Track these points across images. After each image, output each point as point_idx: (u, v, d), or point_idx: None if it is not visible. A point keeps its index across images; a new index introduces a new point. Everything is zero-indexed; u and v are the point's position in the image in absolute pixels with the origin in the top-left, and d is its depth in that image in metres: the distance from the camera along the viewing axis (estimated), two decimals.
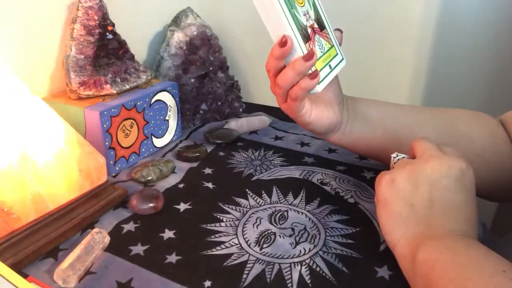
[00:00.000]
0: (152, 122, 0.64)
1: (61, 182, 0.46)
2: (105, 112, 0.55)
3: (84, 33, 0.58)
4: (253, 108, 0.84)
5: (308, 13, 0.43)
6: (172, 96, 0.66)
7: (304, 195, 0.54)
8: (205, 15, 0.79)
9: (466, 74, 1.30)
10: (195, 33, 0.74)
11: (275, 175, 0.59)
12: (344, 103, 0.52)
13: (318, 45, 0.44)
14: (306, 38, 0.42)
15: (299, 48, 0.40)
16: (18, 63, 0.57)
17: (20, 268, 0.40)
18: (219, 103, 0.78)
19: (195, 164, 0.62)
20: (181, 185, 0.57)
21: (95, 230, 0.44)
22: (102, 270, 0.41)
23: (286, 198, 0.54)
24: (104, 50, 0.61)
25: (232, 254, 0.43)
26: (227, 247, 0.44)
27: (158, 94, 0.64)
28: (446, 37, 1.29)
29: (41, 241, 0.43)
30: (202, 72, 0.75)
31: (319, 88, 0.43)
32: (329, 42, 0.46)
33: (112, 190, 0.52)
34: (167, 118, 0.67)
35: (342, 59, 0.48)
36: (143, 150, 0.63)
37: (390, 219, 0.40)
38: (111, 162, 0.58)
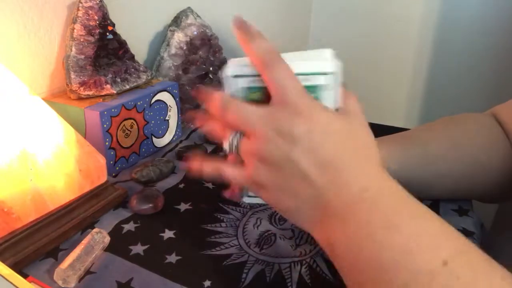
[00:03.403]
0: (152, 122, 0.64)
1: (61, 182, 0.45)
2: (105, 112, 0.55)
3: (84, 33, 0.58)
4: None
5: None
6: (172, 96, 0.66)
7: None
8: (205, 15, 0.79)
9: (466, 74, 1.30)
10: (195, 33, 0.74)
11: None
12: None
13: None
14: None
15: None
16: (18, 63, 0.57)
17: (20, 268, 0.40)
18: None
19: None
20: (181, 185, 0.57)
21: (95, 230, 0.44)
22: (102, 270, 0.41)
23: None
24: (104, 50, 0.61)
25: (232, 254, 0.43)
26: (227, 248, 0.44)
27: (158, 94, 0.64)
28: (446, 37, 1.29)
29: (41, 241, 0.43)
30: (202, 72, 0.75)
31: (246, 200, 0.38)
32: None
33: (112, 190, 0.52)
34: (167, 118, 0.67)
35: None
36: (143, 150, 0.63)
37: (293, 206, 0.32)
38: (111, 162, 0.58)
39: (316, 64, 0.33)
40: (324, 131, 0.30)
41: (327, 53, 0.34)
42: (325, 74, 0.33)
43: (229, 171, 0.34)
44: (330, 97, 0.33)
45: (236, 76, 0.34)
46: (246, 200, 0.39)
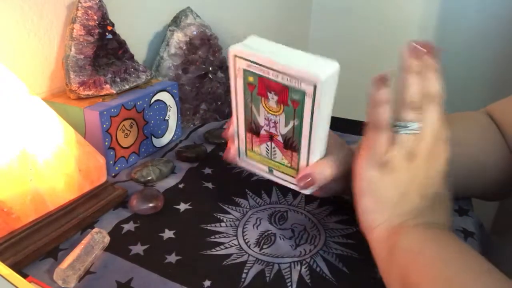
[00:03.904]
0: (152, 122, 0.64)
1: (61, 182, 0.45)
2: (105, 112, 0.55)
3: (84, 33, 0.58)
4: None
5: (276, 123, 0.39)
6: (172, 96, 0.66)
7: (303, 195, 0.54)
8: (205, 15, 0.79)
9: (465, 74, 1.30)
10: (195, 33, 0.74)
11: None
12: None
13: (267, 148, 0.41)
14: (252, 130, 0.41)
15: (236, 129, 0.42)
16: (18, 63, 0.57)
17: (20, 268, 0.40)
18: (219, 103, 0.78)
19: (195, 164, 0.62)
20: (181, 185, 0.57)
21: (95, 230, 0.44)
22: (102, 270, 0.41)
23: (286, 199, 0.54)
24: (104, 50, 0.61)
25: (232, 254, 0.43)
26: (227, 248, 0.44)
27: (158, 94, 0.64)
28: (446, 37, 1.29)
29: (41, 241, 0.43)
30: (202, 72, 0.75)
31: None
32: (289, 161, 0.41)
33: (112, 190, 0.51)
34: (167, 118, 0.67)
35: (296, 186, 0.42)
36: (143, 150, 0.63)
37: (376, 203, 0.38)
38: (111, 162, 0.58)
39: (307, 72, 0.34)
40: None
41: (330, 66, 0.35)
42: (311, 83, 0.34)
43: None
44: (311, 108, 0.36)
45: (236, 56, 0.37)
46: (242, 162, 0.43)
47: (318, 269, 0.42)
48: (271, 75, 0.36)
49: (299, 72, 0.34)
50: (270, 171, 0.44)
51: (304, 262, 0.43)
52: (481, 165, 0.50)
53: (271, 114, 0.39)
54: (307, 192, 0.42)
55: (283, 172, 0.43)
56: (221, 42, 0.79)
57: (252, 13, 1.12)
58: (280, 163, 0.42)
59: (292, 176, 0.42)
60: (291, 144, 0.40)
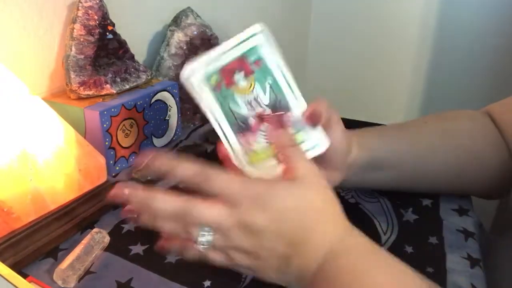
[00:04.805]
0: (152, 122, 0.64)
1: (61, 182, 0.45)
2: (105, 112, 0.55)
3: (84, 33, 0.58)
4: None
5: (256, 99, 0.39)
6: (172, 96, 0.66)
7: None
8: (205, 15, 0.79)
9: (465, 73, 1.30)
10: (195, 33, 0.74)
11: None
12: (352, 156, 0.45)
13: (264, 135, 0.39)
14: (242, 130, 0.39)
15: (227, 144, 0.39)
16: (18, 63, 0.57)
17: (20, 268, 0.40)
18: None
19: None
20: (181, 185, 0.56)
21: (95, 230, 0.44)
22: (102, 270, 0.41)
23: None
24: (104, 50, 0.61)
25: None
26: None
27: (158, 94, 0.63)
28: (446, 37, 1.29)
29: (41, 241, 0.43)
30: None
31: None
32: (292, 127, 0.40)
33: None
34: (167, 118, 0.67)
35: (316, 146, 0.40)
36: (143, 150, 0.63)
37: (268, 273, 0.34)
38: (111, 162, 0.58)
39: (246, 32, 0.38)
40: (279, 219, 0.32)
41: (256, 26, 0.39)
42: (255, 34, 0.38)
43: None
44: (270, 54, 0.39)
45: (190, 77, 0.38)
46: (252, 173, 0.39)
47: None
48: (226, 58, 0.38)
49: (243, 34, 0.38)
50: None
51: None
52: (480, 164, 0.50)
53: (247, 94, 0.39)
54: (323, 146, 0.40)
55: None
56: (221, 42, 0.79)
57: (252, 13, 1.12)
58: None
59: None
60: (280, 108, 0.39)
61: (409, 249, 0.45)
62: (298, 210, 0.32)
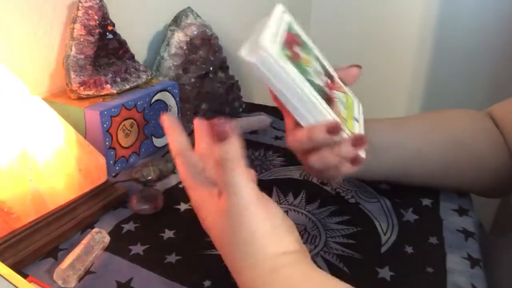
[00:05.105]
0: (152, 122, 0.64)
1: (61, 182, 0.45)
2: (105, 112, 0.55)
3: (84, 33, 0.58)
4: (253, 108, 0.84)
5: (316, 69, 0.36)
6: (172, 96, 0.66)
7: (304, 195, 0.54)
8: (205, 15, 0.79)
9: (465, 73, 1.30)
10: (195, 33, 0.74)
11: (275, 175, 0.59)
12: None
13: (339, 101, 0.36)
14: (329, 102, 0.35)
15: (328, 115, 0.34)
16: (18, 63, 0.57)
17: (20, 268, 0.40)
18: (219, 103, 0.78)
19: None
20: (181, 185, 0.57)
21: (95, 230, 0.44)
22: (102, 270, 0.41)
23: (286, 199, 0.54)
24: (104, 50, 0.61)
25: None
26: None
27: (158, 94, 0.63)
28: (446, 36, 1.29)
29: (41, 241, 0.43)
30: (202, 72, 0.75)
31: (364, 159, 0.36)
32: (343, 91, 0.38)
33: (112, 190, 0.51)
34: None
35: (358, 101, 0.40)
36: (143, 150, 0.63)
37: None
38: (111, 162, 0.58)
39: (276, 10, 0.38)
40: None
41: (279, 6, 0.39)
42: (284, 12, 0.38)
43: None
44: (300, 30, 0.39)
45: (266, 51, 0.31)
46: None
47: None
48: (279, 34, 0.34)
49: (276, 11, 0.38)
50: (357, 120, 0.38)
51: None
52: (479, 163, 0.50)
53: (310, 65, 0.35)
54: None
55: (352, 107, 0.39)
56: (222, 42, 0.79)
57: (252, 13, 1.12)
58: (347, 102, 0.38)
59: None
60: (329, 73, 0.39)
61: (409, 249, 0.45)
62: (221, 232, 0.33)
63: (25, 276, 0.39)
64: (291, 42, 0.35)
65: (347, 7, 1.40)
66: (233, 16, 1.02)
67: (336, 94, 0.37)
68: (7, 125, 0.41)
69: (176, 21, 0.75)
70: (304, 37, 0.38)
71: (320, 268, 0.42)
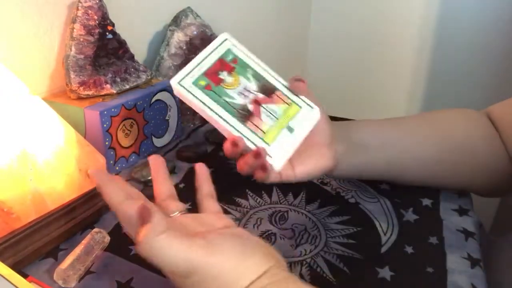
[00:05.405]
0: (152, 122, 0.64)
1: (61, 182, 0.45)
2: (105, 112, 0.55)
3: (84, 33, 0.58)
4: None
5: (246, 88, 0.43)
6: (172, 96, 0.66)
7: (304, 195, 0.54)
8: (205, 14, 0.79)
9: (465, 73, 1.30)
10: (195, 33, 0.74)
11: None
12: (337, 136, 0.46)
13: (267, 113, 0.41)
14: (246, 117, 0.40)
15: (237, 133, 0.40)
16: (18, 62, 0.57)
17: (20, 268, 0.40)
18: None
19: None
20: (181, 185, 0.57)
21: (95, 230, 0.44)
22: (102, 269, 0.41)
23: (286, 198, 0.54)
24: (104, 50, 0.61)
25: None
26: None
27: (158, 94, 0.63)
28: (446, 36, 1.29)
29: (41, 241, 0.43)
30: None
31: (276, 167, 0.40)
32: (284, 102, 0.43)
33: None
34: (167, 118, 0.67)
35: (312, 109, 0.44)
36: (143, 150, 0.63)
37: None
38: (111, 162, 0.58)
39: (215, 41, 0.44)
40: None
41: (222, 34, 0.45)
42: (224, 41, 0.44)
43: None
44: (242, 52, 0.44)
45: (178, 83, 0.40)
46: (278, 165, 0.41)
47: (318, 269, 0.42)
48: (206, 64, 0.42)
49: (213, 42, 0.43)
50: (290, 129, 0.42)
51: (304, 262, 0.42)
52: (476, 163, 0.50)
53: (237, 87, 0.42)
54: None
55: (294, 115, 0.43)
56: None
57: (252, 13, 1.12)
58: (284, 112, 0.43)
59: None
60: (269, 88, 0.44)
61: (409, 249, 0.45)
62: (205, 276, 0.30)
63: (25, 276, 0.39)
64: (218, 69, 0.42)
65: (347, 7, 1.40)
66: (233, 16, 1.02)
67: (267, 107, 0.42)
68: (7, 125, 0.41)
69: (176, 21, 0.75)
70: (246, 59, 0.44)
71: (320, 268, 0.42)
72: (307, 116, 0.43)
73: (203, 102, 0.40)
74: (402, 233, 0.47)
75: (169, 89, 0.65)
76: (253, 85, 0.43)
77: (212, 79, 0.42)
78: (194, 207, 0.52)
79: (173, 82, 0.40)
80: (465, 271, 0.42)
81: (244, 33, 1.06)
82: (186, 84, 0.40)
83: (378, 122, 0.52)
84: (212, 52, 0.43)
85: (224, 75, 0.42)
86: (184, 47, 0.74)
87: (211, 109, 0.40)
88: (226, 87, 0.42)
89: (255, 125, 0.41)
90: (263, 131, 0.40)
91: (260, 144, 0.40)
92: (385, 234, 0.47)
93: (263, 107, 0.42)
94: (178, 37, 0.73)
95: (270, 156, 0.40)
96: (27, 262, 0.41)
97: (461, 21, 1.25)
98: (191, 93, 0.40)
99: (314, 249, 0.44)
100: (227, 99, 0.41)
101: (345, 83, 1.46)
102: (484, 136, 0.51)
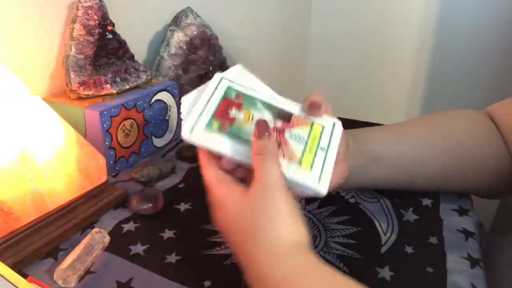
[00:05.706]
0: (152, 122, 0.64)
1: (61, 182, 0.45)
2: (105, 112, 0.55)
3: (84, 33, 0.58)
4: None
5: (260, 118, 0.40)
6: (172, 96, 0.66)
7: None
8: (205, 15, 0.79)
9: (465, 73, 1.30)
10: (195, 33, 0.74)
11: None
12: (349, 149, 0.45)
13: (294, 138, 0.40)
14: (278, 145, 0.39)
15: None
16: (18, 62, 0.57)
17: (20, 268, 0.40)
18: None
19: (195, 164, 0.62)
20: (181, 185, 0.57)
21: (95, 230, 0.44)
22: (102, 270, 0.41)
23: None
24: (104, 50, 0.61)
25: (232, 254, 0.43)
26: (227, 248, 0.44)
27: (158, 94, 0.63)
28: (446, 36, 1.29)
29: (41, 241, 0.43)
30: (202, 72, 0.75)
31: (323, 191, 0.38)
32: (305, 124, 0.42)
33: (112, 190, 0.51)
34: (167, 118, 0.67)
35: (334, 123, 0.42)
36: (143, 150, 0.63)
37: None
38: (111, 162, 0.58)
39: (212, 82, 0.41)
40: (227, 219, 0.36)
41: (216, 75, 0.42)
42: (221, 80, 0.42)
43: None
44: (243, 87, 0.42)
45: (190, 132, 0.38)
46: (324, 188, 0.39)
47: None
48: (211, 107, 0.40)
49: (210, 84, 0.41)
50: (323, 149, 0.41)
51: None
52: (479, 164, 0.50)
53: (251, 121, 0.40)
54: None
55: (321, 134, 0.42)
56: (221, 42, 0.79)
57: (252, 13, 1.12)
58: (310, 134, 0.41)
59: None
60: (284, 113, 0.42)
61: (409, 249, 0.45)
62: (242, 217, 0.34)
63: (25, 276, 0.39)
64: (227, 106, 0.40)
65: (347, 7, 1.40)
66: (233, 16, 1.02)
67: (291, 132, 0.40)
68: (7, 125, 0.41)
69: (176, 21, 0.75)
70: (249, 91, 0.42)
71: None
72: (332, 132, 0.42)
73: (225, 146, 0.37)
74: (402, 233, 0.47)
75: (169, 89, 0.65)
76: (267, 115, 0.41)
77: (224, 119, 0.39)
78: (194, 207, 0.52)
79: (185, 135, 0.37)
80: (465, 271, 0.42)
81: (244, 33, 1.06)
82: (199, 132, 0.38)
83: (390, 134, 0.51)
84: (212, 94, 0.41)
85: (234, 113, 0.40)
86: (184, 47, 0.74)
87: (237, 151, 0.37)
88: (241, 125, 0.39)
89: (287, 153, 0.39)
90: (298, 158, 0.39)
91: (304, 179, 0.38)
92: (385, 234, 0.47)
93: (288, 133, 0.40)
94: (178, 37, 0.74)
95: (316, 182, 0.38)
96: (27, 262, 0.41)
97: (461, 21, 1.25)
98: (208, 140, 0.37)
99: (314, 249, 0.44)
100: (247, 137, 0.38)
101: (345, 83, 1.46)
102: (487, 138, 0.51)
